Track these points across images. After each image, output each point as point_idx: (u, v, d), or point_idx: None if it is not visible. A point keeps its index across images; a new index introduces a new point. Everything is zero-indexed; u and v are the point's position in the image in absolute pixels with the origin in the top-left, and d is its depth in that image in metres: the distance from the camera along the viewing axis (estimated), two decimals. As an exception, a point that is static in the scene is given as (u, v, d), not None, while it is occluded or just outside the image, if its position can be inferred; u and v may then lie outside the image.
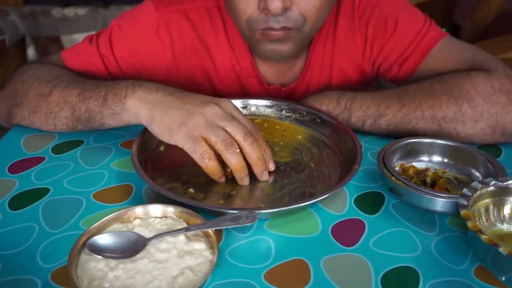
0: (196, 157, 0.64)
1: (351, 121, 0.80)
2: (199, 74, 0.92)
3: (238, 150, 0.64)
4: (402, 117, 0.77)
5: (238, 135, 0.64)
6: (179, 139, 0.64)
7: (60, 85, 0.75)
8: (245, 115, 0.68)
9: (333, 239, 0.59)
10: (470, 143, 0.75)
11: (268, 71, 0.92)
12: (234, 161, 0.64)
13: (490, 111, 0.74)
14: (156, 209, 0.58)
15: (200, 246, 0.53)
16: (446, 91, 0.76)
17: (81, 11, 2.51)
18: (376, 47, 0.90)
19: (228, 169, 0.66)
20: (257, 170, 0.66)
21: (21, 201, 0.64)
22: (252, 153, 0.65)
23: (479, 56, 0.82)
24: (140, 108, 0.68)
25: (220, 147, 0.63)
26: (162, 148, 0.74)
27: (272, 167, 0.69)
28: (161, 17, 0.87)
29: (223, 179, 0.67)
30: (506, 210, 0.60)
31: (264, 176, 0.67)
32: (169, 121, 0.65)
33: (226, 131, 0.64)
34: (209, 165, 0.64)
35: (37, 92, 0.76)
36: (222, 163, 0.65)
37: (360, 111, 0.79)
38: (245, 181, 0.66)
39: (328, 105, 0.82)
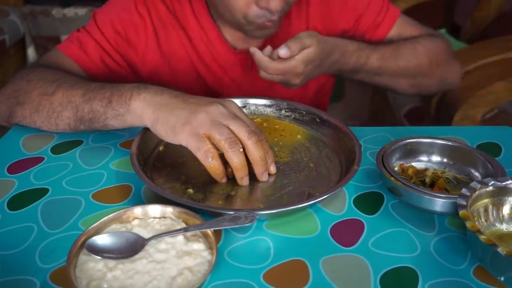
0: (199, 155, 0.64)
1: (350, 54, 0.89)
2: (177, 47, 0.94)
3: (241, 149, 0.64)
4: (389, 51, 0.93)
5: (242, 133, 0.64)
6: (183, 138, 0.64)
7: (64, 85, 0.75)
8: (248, 116, 0.68)
9: (332, 240, 0.59)
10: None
11: (234, 37, 0.94)
12: (236, 159, 0.64)
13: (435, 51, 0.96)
14: (155, 210, 0.58)
15: (199, 246, 0.53)
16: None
17: (81, 11, 2.51)
18: (352, 19, 0.97)
19: (229, 169, 0.66)
20: (258, 170, 0.66)
21: (20, 201, 0.64)
22: (255, 152, 0.65)
23: (424, 28, 1.02)
24: (145, 110, 0.68)
25: (224, 145, 0.63)
26: (161, 148, 0.74)
27: (273, 169, 0.69)
28: None
29: (224, 180, 0.67)
30: (505, 210, 0.60)
31: (264, 177, 0.67)
32: (173, 121, 0.65)
33: (230, 129, 0.64)
34: (212, 164, 0.64)
35: (40, 91, 0.76)
36: (224, 163, 0.65)
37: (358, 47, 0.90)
38: (244, 181, 0.66)
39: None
